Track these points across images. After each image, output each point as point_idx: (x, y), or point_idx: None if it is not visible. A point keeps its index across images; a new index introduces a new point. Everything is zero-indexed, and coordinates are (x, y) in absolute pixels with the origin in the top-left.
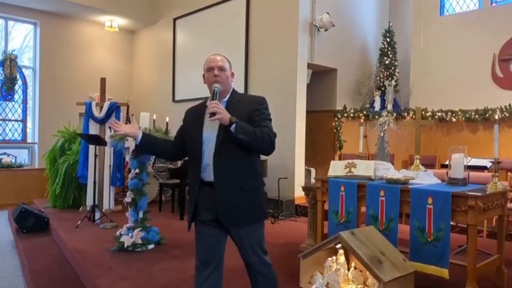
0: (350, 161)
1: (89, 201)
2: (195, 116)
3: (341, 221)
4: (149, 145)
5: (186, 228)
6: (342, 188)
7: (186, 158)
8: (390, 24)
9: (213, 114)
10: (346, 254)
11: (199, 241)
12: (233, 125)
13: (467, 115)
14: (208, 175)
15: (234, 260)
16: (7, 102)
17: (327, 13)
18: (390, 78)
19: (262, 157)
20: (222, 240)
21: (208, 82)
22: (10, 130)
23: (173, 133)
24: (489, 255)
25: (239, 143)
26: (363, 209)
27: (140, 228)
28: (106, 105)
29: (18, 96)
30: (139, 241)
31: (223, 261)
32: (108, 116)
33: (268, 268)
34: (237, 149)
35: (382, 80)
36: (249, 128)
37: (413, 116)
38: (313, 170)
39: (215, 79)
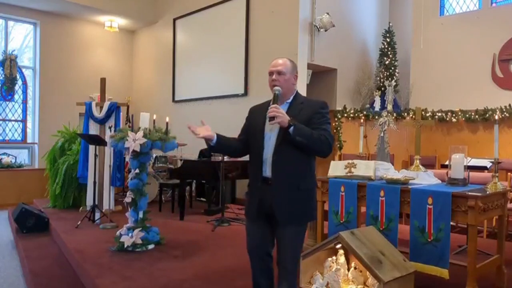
0: (350, 161)
1: (89, 201)
2: (258, 114)
3: (341, 221)
4: (222, 145)
5: (185, 228)
6: (342, 188)
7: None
8: (390, 24)
9: (272, 118)
10: (346, 254)
11: (247, 231)
12: (291, 128)
13: (467, 115)
14: (265, 170)
15: (234, 260)
16: (7, 102)
17: (327, 13)
18: (390, 78)
19: None
20: (266, 233)
21: (270, 86)
22: (10, 130)
23: (173, 133)
24: (489, 255)
25: (297, 145)
26: (363, 209)
27: (140, 228)
28: (106, 105)
29: (18, 96)
30: (139, 241)
31: (272, 250)
32: (108, 116)
33: (296, 268)
34: (296, 149)
35: (382, 80)
36: (307, 131)
37: (413, 116)
38: None
39: (273, 83)
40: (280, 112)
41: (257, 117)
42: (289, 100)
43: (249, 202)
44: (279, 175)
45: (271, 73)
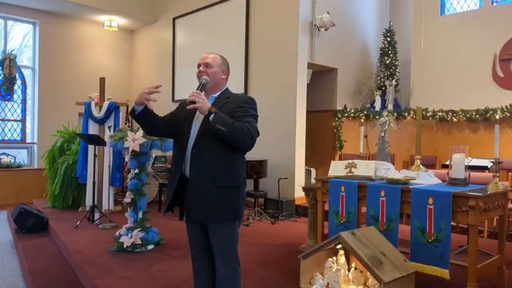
0: (351, 161)
1: (88, 202)
2: (188, 109)
3: (342, 222)
4: (146, 116)
5: (185, 229)
6: (343, 189)
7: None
8: (391, 23)
9: (192, 102)
10: (346, 254)
11: (187, 233)
12: (212, 115)
13: (468, 115)
14: (184, 168)
15: None
16: (6, 102)
17: (328, 12)
18: (390, 78)
19: (263, 157)
20: (203, 234)
21: (197, 78)
22: (9, 130)
23: None
24: (490, 255)
25: (218, 134)
26: (364, 209)
27: (139, 229)
28: (105, 105)
29: (17, 96)
30: (139, 242)
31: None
32: (107, 116)
33: (231, 277)
34: (218, 143)
35: (382, 79)
36: (228, 119)
37: (414, 116)
38: (313, 170)
39: (200, 74)
40: (201, 97)
41: (186, 112)
42: (215, 95)
43: (168, 199)
44: (197, 170)
45: (198, 66)
